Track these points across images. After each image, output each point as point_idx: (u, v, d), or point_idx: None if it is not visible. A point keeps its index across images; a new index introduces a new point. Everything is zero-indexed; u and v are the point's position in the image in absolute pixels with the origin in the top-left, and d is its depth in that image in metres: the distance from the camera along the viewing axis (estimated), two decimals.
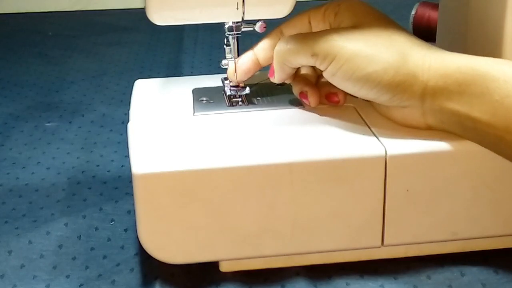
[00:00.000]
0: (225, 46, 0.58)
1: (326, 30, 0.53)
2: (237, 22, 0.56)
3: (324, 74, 0.52)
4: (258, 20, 0.56)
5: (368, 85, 0.50)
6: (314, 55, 0.51)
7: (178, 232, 0.51)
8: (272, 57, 0.56)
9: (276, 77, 0.56)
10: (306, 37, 0.52)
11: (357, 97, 0.54)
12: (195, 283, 0.54)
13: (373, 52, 0.50)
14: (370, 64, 0.50)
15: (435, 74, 0.50)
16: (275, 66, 0.55)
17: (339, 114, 0.56)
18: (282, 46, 0.54)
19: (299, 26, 0.56)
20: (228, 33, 0.57)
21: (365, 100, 0.56)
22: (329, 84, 0.54)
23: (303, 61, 0.53)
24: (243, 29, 0.57)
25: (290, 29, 0.56)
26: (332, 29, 0.54)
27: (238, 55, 0.58)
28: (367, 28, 0.51)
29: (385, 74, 0.50)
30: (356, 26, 0.52)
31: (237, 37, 0.57)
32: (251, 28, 0.57)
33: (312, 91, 0.56)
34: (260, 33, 0.57)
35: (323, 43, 0.51)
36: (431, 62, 0.50)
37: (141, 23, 1.24)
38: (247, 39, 0.59)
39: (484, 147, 0.51)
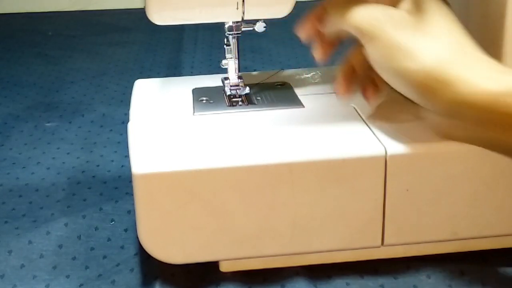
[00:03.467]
0: (225, 46, 0.58)
1: (377, 6, 0.50)
2: (237, 22, 0.56)
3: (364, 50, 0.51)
4: (258, 20, 0.56)
5: (397, 78, 0.49)
6: (357, 28, 0.50)
7: (178, 232, 0.51)
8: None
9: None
10: (357, 5, 0.50)
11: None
12: (195, 283, 0.54)
13: (414, 48, 0.48)
14: (406, 59, 0.48)
15: (466, 93, 0.46)
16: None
17: (339, 114, 0.56)
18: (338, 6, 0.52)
19: None
20: (228, 33, 0.57)
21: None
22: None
23: (349, 29, 0.51)
24: (243, 29, 0.57)
25: None
26: (385, 6, 0.50)
27: (238, 55, 0.58)
28: (423, 14, 0.49)
29: (416, 74, 0.48)
30: (416, 8, 0.49)
31: (237, 37, 0.57)
32: (251, 28, 0.57)
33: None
34: (260, 32, 0.57)
35: (369, 19, 0.49)
36: (466, 76, 0.47)
37: (141, 23, 1.24)
38: (247, 39, 0.59)
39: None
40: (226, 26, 0.57)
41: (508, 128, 0.46)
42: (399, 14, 0.49)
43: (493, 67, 0.48)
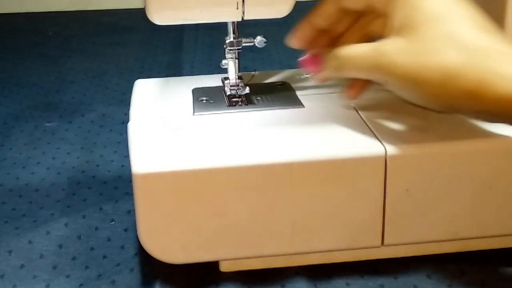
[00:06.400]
0: (225, 46, 0.58)
1: (374, 50, 0.49)
2: (237, 38, 0.57)
3: None
4: (257, 35, 0.57)
5: (426, 103, 0.49)
6: (368, 77, 0.51)
7: (178, 232, 0.51)
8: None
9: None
10: (362, 56, 0.50)
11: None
12: (195, 283, 0.54)
13: (423, 74, 0.46)
14: (415, 88, 0.47)
15: (497, 95, 0.45)
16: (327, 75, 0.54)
17: (339, 114, 0.56)
18: (335, 61, 0.52)
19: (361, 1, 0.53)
20: (229, 48, 0.57)
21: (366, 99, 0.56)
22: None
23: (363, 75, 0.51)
24: (243, 44, 0.57)
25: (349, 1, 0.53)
26: (380, 47, 0.49)
27: (238, 56, 0.58)
28: (422, 28, 0.47)
29: (439, 92, 0.46)
30: (411, 23, 0.48)
31: (238, 52, 0.58)
32: (252, 44, 0.57)
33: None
34: (259, 47, 0.57)
35: (375, 69, 0.49)
36: (492, 78, 0.45)
37: (141, 23, 1.24)
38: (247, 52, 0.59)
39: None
40: (227, 41, 0.57)
41: None
42: (395, 43, 0.48)
43: None
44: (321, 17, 0.55)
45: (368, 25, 0.55)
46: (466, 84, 0.45)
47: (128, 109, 0.59)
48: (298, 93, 0.61)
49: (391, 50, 0.48)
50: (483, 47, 0.46)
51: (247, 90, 0.59)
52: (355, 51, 0.51)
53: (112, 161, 0.75)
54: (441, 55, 0.46)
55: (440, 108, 0.49)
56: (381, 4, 0.51)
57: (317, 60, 0.54)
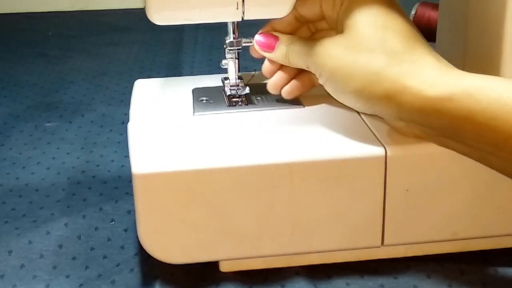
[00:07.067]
0: (225, 47, 0.58)
1: (316, 41, 0.52)
2: (237, 38, 0.57)
3: None
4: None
5: (350, 101, 0.51)
6: (307, 67, 0.53)
7: (178, 232, 0.51)
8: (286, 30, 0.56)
9: (267, 62, 0.57)
10: (305, 46, 0.53)
11: None
12: (195, 283, 0.54)
13: (351, 68, 0.50)
14: (348, 82, 0.50)
15: (411, 102, 0.48)
16: (275, 57, 0.56)
17: (339, 114, 0.56)
18: (286, 48, 0.55)
19: (310, 7, 0.55)
20: (229, 48, 0.57)
21: None
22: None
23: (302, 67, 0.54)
24: (243, 44, 0.57)
25: (302, 8, 0.55)
26: (322, 39, 0.52)
27: (238, 56, 0.58)
28: (359, 28, 0.50)
29: (362, 91, 0.49)
30: (351, 24, 0.51)
31: (238, 52, 0.58)
32: (252, 44, 0.57)
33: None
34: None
35: (312, 57, 0.52)
36: (408, 85, 0.48)
37: (141, 23, 1.24)
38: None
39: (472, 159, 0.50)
40: (227, 41, 0.57)
41: (455, 131, 0.48)
42: (333, 41, 0.51)
43: (437, 70, 0.48)
44: (281, 25, 0.57)
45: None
46: (386, 86, 0.48)
47: (128, 109, 0.59)
48: None
49: (328, 42, 0.51)
50: (408, 54, 0.49)
51: (247, 90, 0.59)
52: (299, 40, 0.54)
53: (112, 161, 0.75)
54: (371, 54, 0.49)
55: (362, 108, 0.52)
56: (329, 12, 0.54)
57: (271, 42, 0.56)
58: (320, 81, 0.53)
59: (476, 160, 0.50)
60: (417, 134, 0.51)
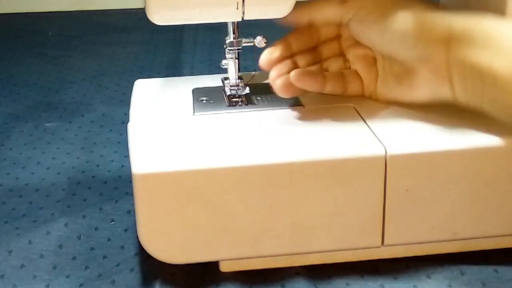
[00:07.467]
0: (224, 47, 0.58)
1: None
2: (237, 38, 0.57)
3: (351, 23, 0.54)
4: (257, 35, 0.57)
5: (392, 31, 0.52)
6: (344, 1, 0.54)
7: (178, 232, 0.51)
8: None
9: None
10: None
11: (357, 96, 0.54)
12: (195, 283, 0.54)
13: (399, 4, 0.52)
14: (396, 11, 0.51)
15: (460, 24, 0.50)
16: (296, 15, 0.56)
17: (339, 114, 0.56)
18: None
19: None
20: (229, 48, 0.57)
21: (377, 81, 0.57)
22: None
23: (330, 11, 0.55)
24: (243, 44, 0.57)
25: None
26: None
27: (238, 56, 0.58)
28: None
29: (410, 20, 0.51)
30: None
31: (238, 52, 0.58)
32: (252, 44, 0.57)
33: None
34: (259, 47, 0.57)
35: None
36: (454, 18, 0.51)
37: (141, 23, 1.24)
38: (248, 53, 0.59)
39: (503, 116, 0.50)
40: (227, 41, 0.57)
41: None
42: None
43: None
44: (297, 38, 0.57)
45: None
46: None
47: (128, 109, 0.59)
48: None
49: None
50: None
51: (247, 90, 0.59)
52: None
53: (112, 161, 0.75)
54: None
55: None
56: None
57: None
58: (359, 16, 0.54)
59: (506, 115, 0.50)
60: (454, 80, 0.52)
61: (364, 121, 0.55)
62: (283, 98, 0.59)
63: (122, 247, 0.60)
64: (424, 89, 0.53)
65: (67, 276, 0.56)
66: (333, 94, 0.57)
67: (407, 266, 0.55)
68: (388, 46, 0.53)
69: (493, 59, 0.49)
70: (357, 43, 0.57)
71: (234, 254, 0.53)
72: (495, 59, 0.49)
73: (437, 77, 0.52)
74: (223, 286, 0.54)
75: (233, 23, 0.57)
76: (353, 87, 0.57)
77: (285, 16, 0.55)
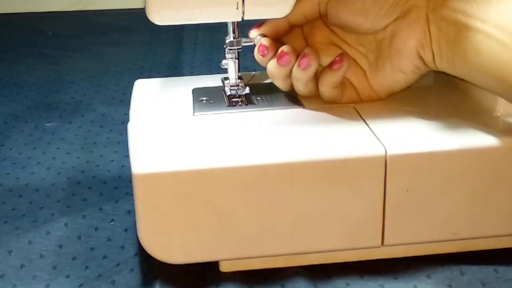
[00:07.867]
0: (224, 46, 0.58)
1: None
2: (237, 38, 0.57)
3: (329, 6, 0.55)
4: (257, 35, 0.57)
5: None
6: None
7: (178, 232, 0.51)
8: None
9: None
10: None
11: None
12: (195, 283, 0.54)
13: None
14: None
15: None
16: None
17: (339, 114, 0.56)
18: None
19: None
20: (229, 48, 0.57)
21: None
22: None
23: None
24: (243, 44, 0.57)
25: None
26: None
27: (238, 56, 0.58)
28: None
29: None
30: None
31: (238, 52, 0.58)
32: (252, 44, 0.57)
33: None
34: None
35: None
36: None
37: (141, 23, 1.24)
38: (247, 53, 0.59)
39: (483, 72, 0.50)
40: (227, 41, 0.57)
41: None
42: None
43: None
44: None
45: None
46: None
47: (128, 109, 0.59)
48: None
49: None
50: None
51: (247, 90, 0.59)
52: None
53: (112, 161, 0.75)
54: None
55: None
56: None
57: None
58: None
59: (487, 71, 0.50)
60: (434, 36, 0.52)
61: (364, 121, 0.55)
62: (283, 98, 0.59)
63: (122, 247, 0.60)
64: (408, 55, 0.53)
65: (67, 276, 0.56)
66: (332, 102, 0.57)
67: (407, 266, 0.55)
68: (369, 17, 0.53)
69: (466, 8, 0.49)
70: (331, 48, 0.57)
71: (234, 254, 0.53)
72: (469, 8, 0.49)
73: (417, 32, 0.52)
74: (223, 286, 0.54)
75: (233, 23, 0.57)
76: (348, 94, 0.57)
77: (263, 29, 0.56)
